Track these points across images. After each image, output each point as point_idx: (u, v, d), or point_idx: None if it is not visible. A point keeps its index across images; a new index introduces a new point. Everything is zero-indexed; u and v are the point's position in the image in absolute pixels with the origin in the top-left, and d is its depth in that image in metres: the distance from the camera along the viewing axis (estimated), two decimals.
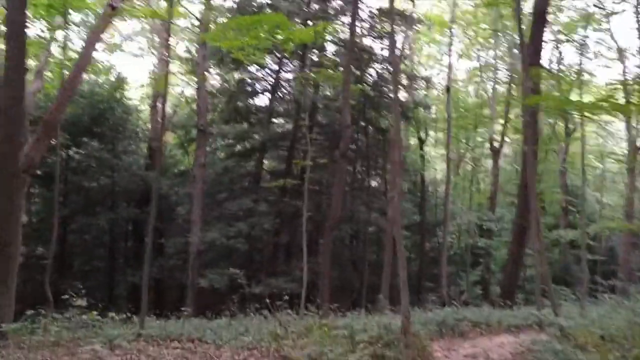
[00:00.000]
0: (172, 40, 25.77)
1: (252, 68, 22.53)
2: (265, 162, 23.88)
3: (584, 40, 21.69)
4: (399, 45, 21.12)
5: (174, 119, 28.79)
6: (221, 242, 17.59)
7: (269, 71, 22.65)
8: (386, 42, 20.88)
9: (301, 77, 15.02)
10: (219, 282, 16.21)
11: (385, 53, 22.06)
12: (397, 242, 7.49)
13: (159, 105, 27.86)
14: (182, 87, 30.63)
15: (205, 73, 20.69)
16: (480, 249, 25.77)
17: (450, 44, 22.99)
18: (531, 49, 14.42)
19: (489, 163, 33.26)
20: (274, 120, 23.38)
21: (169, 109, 31.74)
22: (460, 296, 20.88)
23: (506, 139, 27.67)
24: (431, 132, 30.17)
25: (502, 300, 15.62)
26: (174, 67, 30.74)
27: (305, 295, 11.16)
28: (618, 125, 34.00)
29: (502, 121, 26.37)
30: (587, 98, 30.08)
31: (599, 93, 25.12)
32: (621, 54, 23.94)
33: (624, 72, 26.23)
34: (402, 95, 20.57)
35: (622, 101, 28.41)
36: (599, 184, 35.52)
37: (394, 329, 8.13)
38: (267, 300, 10.15)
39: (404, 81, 21.51)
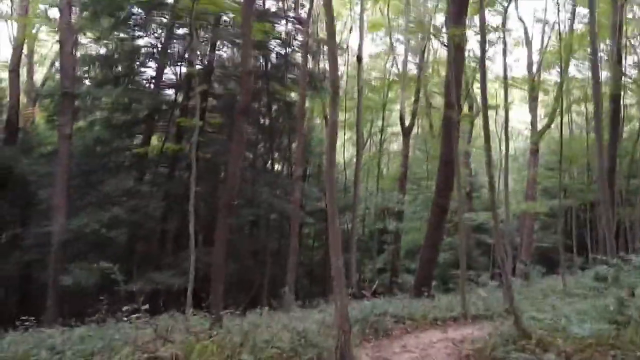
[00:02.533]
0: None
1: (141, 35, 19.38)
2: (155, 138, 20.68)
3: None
4: (305, 9, 18.91)
5: (42, 89, 24.68)
6: (92, 230, 14.43)
7: (156, 33, 19.49)
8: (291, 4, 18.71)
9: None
10: (87, 279, 13.14)
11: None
12: (331, 228, 5.34)
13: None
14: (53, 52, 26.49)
15: (75, 28, 17.18)
16: (388, 233, 24.46)
17: (362, 10, 21.20)
18: (455, 9, 12.85)
19: (394, 147, 32.37)
20: (163, 92, 20.21)
21: (37, 79, 27.47)
22: (371, 286, 19.29)
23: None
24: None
25: (419, 289, 14.09)
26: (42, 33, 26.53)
27: (192, 292, 8.69)
28: (519, 109, 34.53)
29: (412, 99, 25.23)
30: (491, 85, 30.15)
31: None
32: (527, 35, 23.62)
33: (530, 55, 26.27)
34: (310, 64, 18.48)
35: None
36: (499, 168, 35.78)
37: (311, 337, 6.00)
38: (140, 301, 7.59)
39: (313, 49, 19.45)
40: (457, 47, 11.15)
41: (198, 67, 18.75)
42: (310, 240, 28.68)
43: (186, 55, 18.13)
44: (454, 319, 11.13)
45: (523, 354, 5.34)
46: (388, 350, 7.73)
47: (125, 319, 10.14)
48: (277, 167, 23.43)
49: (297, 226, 15.57)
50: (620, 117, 22.13)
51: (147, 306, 10.03)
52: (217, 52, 19.70)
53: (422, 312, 10.94)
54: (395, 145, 33.26)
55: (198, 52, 18.70)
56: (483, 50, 7.94)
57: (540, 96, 28.40)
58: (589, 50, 24.35)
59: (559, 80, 25.77)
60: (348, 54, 26.19)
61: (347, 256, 21.53)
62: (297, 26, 19.42)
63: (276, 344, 5.49)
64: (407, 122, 24.40)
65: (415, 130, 30.33)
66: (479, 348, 7.00)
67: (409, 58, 26.69)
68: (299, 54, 19.21)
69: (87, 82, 19.32)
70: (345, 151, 31.18)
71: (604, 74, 26.41)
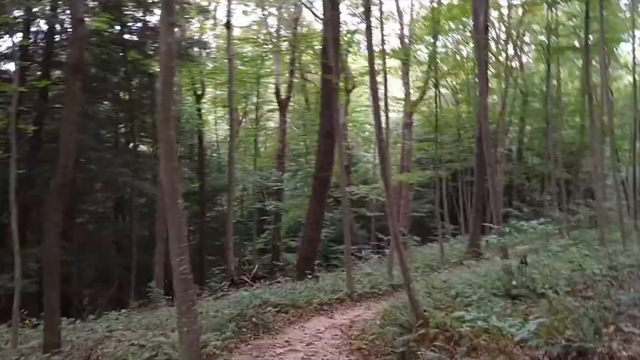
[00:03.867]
0: None
1: None
2: None
3: None
4: None
5: None
6: None
7: None
8: None
9: None
10: None
11: None
12: (170, 210, 3.91)
13: None
14: None
15: None
16: (268, 213, 23.30)
17: None
18: None
19: (271, 124, 31.07)
20: None
21: None
22: (250, 270, 18.03)
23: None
24: (209, 90, 26.45)
25: (303, 270, 13.11)
26: None
27: (19, 300, 6.88)
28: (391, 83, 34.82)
29: (287, 72, 23.96)
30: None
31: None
32: (398, 7, 23.45)
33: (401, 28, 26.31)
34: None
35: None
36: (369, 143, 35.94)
37: (169, 353, 4.64)
38: None
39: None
40: (332, 4, 10.15)
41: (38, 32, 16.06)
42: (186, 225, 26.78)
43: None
44: (341, 300, 10.37)
45: (430, 353, 4.42)
46: (269, 350, 6.59)
47: None
48: (145, 147, 21.05)
49: (164, 211, 13.80)
50: (488, 86, 22.85)
51: None
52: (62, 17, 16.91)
53: (306, 298, 10.02)
54: (273, 123, 32.03)
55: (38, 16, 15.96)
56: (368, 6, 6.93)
57: (412, 71, 28.80)
58: (451, 25, 24.98)
59: (428, 54, 26.28)
60: (216, 26, 24.24)
61: (223, 240, 20.14)
62: None
63: None
64: (282, 96, 23.12)
65: (292, 106, 29.33)
66: (372, 339, 6.10)
67: (282, 32, 25.37)
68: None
69: None
70: (219, 129, 29.38)
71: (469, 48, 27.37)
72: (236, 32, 25.41)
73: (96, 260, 14.90)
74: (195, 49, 20.52)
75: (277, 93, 22.69)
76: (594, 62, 27.18)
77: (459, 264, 13.99)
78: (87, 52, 17.06)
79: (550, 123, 23.79)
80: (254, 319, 8.08)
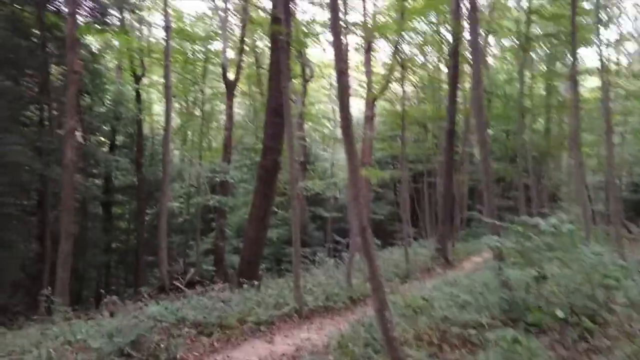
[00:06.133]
0: None
1: None
2: None
3: None
4: None
5: None
6: None
7: None
8: None
9: None
10: None
11: None
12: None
13: None
14: None
15: None
16: (213, 210, 20.72)
17: None
18: None
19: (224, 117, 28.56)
20: None
21: None
22: (184, 276, 15.38)
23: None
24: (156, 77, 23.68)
25: (243, 277, 10.72)
26: None
27: None
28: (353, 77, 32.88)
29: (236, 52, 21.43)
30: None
31: None
32: None
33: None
34: None
35: None
36: (331, 142, 34.03)
37: None
38: None
39: None
40: None
41: None
42: (125, 223, 24.03)
43: None
44: (286, 317, 8.10)
45: None
46: None
47: None
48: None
49: (72, 199, 11.15)
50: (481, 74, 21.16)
51: None
52: None
53: (239, 314, 7.67)
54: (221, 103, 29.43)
55: None
56: None
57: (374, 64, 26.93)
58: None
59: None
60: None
61: (155, 242, 17.51)
62: None
63: None
64: (230, 77, 20.47)
65: (244, 95, 26.87)
66: None
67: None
68: None
69: None
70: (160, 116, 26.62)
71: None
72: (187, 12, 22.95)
73: None
74: (127, 17, 17.81)
75: (224, 72, 20.12)
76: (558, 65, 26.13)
77: (428, 271, 12.01)
78: None
79: (517, 125, 22.35)
80: (161, 346, 5.81)
